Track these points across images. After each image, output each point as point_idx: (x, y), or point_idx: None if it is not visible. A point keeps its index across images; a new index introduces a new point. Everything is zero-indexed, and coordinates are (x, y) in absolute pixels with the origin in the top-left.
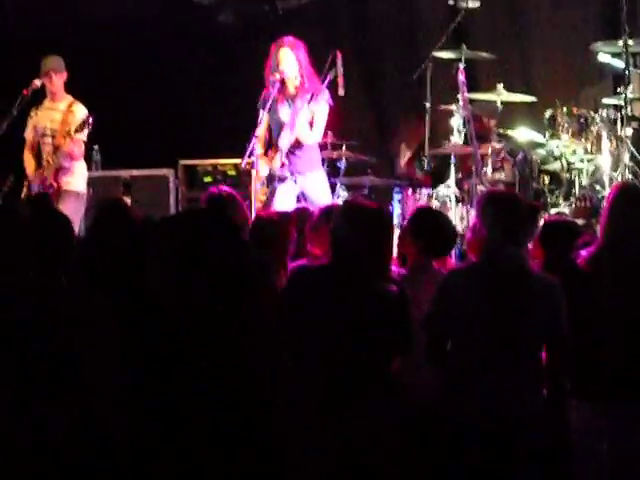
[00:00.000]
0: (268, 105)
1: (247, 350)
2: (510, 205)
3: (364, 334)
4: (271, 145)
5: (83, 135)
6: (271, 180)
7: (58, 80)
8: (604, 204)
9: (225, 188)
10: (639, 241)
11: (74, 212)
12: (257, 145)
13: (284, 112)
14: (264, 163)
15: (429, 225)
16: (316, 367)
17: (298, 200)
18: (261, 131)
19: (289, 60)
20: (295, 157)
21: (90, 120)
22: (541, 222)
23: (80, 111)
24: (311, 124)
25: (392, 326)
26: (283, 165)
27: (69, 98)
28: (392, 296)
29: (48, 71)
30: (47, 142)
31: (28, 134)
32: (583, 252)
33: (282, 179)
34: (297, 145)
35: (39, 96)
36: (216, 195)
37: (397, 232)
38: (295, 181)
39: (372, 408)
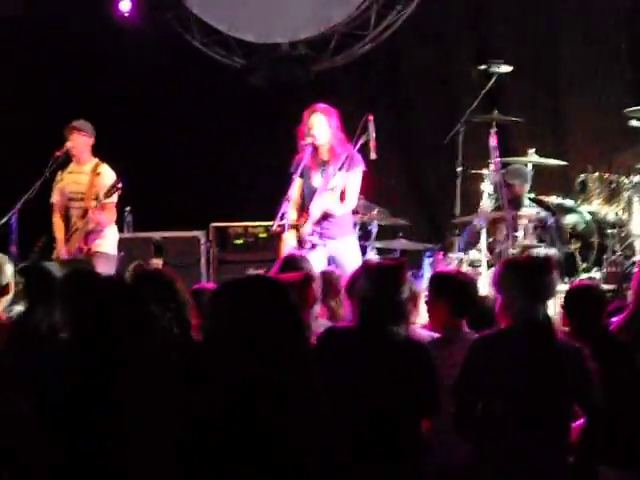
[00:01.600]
0: (300, 170)
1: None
2: (529, 267)
3: (391, 397)
4: (303, 211)
5: (113, 198)
6: (301, 246)
7: (79, 139)
8: (635, 270)
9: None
10: None
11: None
12: (290, 211)
13: (316, 178)
14: (293, 235)
15: (449, 286)
16: (343, 429)
17: (329, 264)
18: (294, 196)
19: (321, 125)
20: (327, 222)
21: (119, 184)
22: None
23: (107, 173)
24: (343, 192)
25: (419, 389)
26: (313, 232)
27: (94, 160)
28: (420, 359)
29: (71, 129)
30: (75, 206)
31: (55, 198)
32: (615, 319)
33: (313, 246)
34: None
35: (66, 161)
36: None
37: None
38: (325, 245)
39: (398, 470)
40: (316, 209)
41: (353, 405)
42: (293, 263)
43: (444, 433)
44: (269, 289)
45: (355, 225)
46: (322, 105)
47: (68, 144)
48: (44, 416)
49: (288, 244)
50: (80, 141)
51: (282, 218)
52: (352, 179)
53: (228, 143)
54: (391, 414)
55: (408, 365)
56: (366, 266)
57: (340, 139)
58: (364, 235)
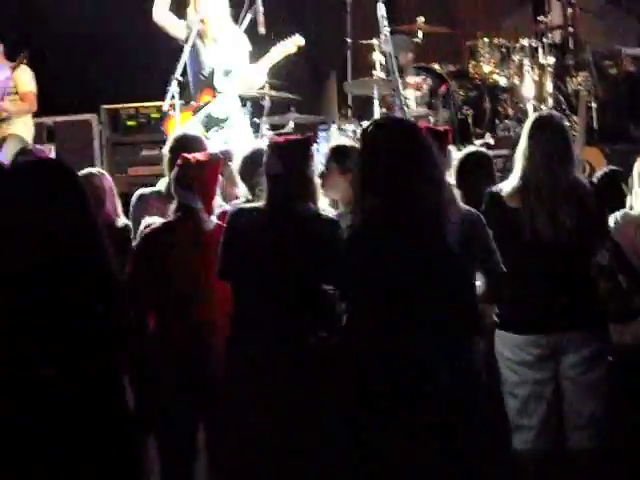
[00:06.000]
0: (191, 41)
1: None
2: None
3: (301, 271)
4: (202, 88)
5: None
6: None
7: None
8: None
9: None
10: (550, 171)
11: None
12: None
13: (209, 54)
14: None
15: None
16: (255, 299)
17: None
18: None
19: (209, 1)
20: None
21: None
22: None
23: None
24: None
25: (326, 262)
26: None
27: None
28: (332, 233)
29: None
30: None
31: None
32: (503, 184)
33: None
34: None
35: None
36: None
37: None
38: None
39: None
40: (226, 85)
41: (267, 282)
42: (186, 143)
43: None
44: (55, 172)
45: (247, 101)
46: None
47: None
48: None
49: (180, 123)
50: None
51: (173, 97)
52: (242, 57)
53: (118, 23)
54: (302, 287)
55: (319, 240)
56: (272, 143)
57: (228, 16)
58: (256, 111)
